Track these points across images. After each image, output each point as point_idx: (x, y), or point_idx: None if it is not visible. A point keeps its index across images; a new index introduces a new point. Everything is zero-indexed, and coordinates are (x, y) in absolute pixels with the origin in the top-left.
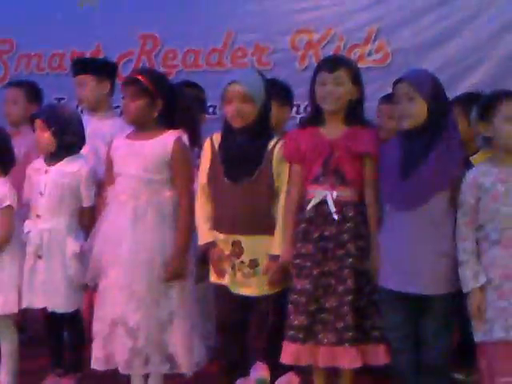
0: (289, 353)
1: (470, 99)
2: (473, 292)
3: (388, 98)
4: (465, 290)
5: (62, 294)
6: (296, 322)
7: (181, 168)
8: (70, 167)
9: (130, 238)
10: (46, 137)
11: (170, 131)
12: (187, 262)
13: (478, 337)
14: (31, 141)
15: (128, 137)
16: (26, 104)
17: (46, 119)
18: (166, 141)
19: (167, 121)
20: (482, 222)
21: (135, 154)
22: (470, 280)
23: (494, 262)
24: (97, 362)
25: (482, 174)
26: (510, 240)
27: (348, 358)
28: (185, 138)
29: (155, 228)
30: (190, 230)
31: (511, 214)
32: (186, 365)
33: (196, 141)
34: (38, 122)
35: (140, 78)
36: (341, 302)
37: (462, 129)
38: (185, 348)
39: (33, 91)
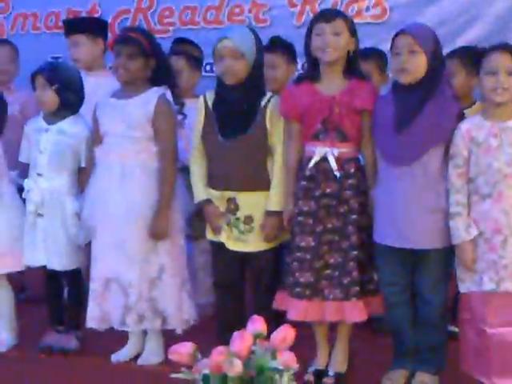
0: (296, 310)
1: (467, 53)
2: (464, 244)
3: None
4: (455, 242)
5: (63, 253)
6: (302, 280)
7: (164, 125)
8: (72, 128)
9: (119, 196)
10: (48, 94)
11: (154, 88)
12: (173, 220)
13: (465, 287)
14: (25, 98)
15: (113, 96)
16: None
17: (49, 76)
18: (150, 98)
19: (154, 80)
20: (473, 175)
21: (120, 113)
22: (462, 232)
23: (485, 215)
24: (92, 321)
25: (475, 126)
26: (501, 194)
27: (355, 312)
28: (168, 95)
29: (143, 186)
30: (172, 188)
31: (503, 168)
32: (175, 321)
33: (176, 99)
34: (40, 79)
35: (137, 37)
36: (346, 257)
37: (458, 82)
38: (174, 304)
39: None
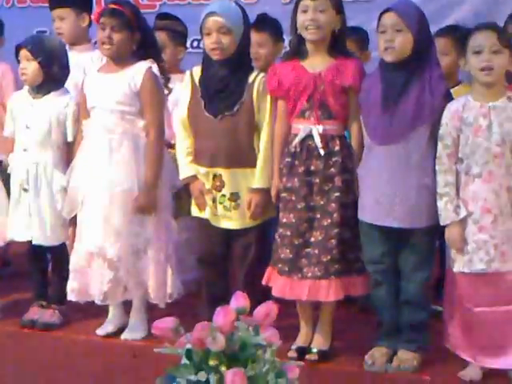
0: (277, 286)
1: (457, 31)
2: (452, 225)
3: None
4: (443, 223)
5: (49, 227)
6: (282, 256)
7: (150, 99)
8: (58, 101)
9: (106, 171)
10: (32, 68)
11: (141, 62)
12: (160, 194)
13: (455, 267)
14: (6, 71)
15: (100, 70)
16: None
17: (33, 49)
18: (137, 72)
19: (140, 53)
20: (462, 156)
21: (107, 87)
22: (451, 213)
23: (475, 195)
24: (72, 294)
25: (464, 107)
26: (491, 174)
27: (332, 291)
28: (155, 68)
29: (130, 160)
30: (159, 163)
31: (492, 148)
32: (158, 296)
33: (162, 73)
34: (24, 52)
35: (123, 9)
36: (326, 235)
37: (448, 61)
38: (157, 279)
39: None
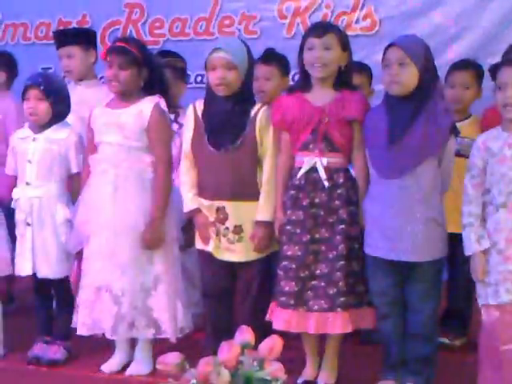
0: (280, 319)
1: (473, 66)
2: (476, 255)
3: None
4: (467, 253)
5: (53, 261)
6: (287, 289)
7: (159, 134)
8: (59, 134)
9: (112, 205)
10: (43, 108)
11: (148, 97)
12: (168, 229)
13: (481, 300)
14: (8, 107)
15: (107, 105)
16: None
17: (45, 90)
18: (145, 107)
19: (147, 89)
20: (489, 186)
21: (115, 122)
22: (474, 243)
23: (499, 225)
24: (83, 328)
25: (491, 137)
26: None
27: (339, 324)
28: (163, 104)
29: (137, 195)
30: (167, 198)
31: None
32: (170, 330)
33: (171, 108)
34: (35, 92)
35: (129, 47)
36: (332, 268)
37: (468, 95)
38: (169, 313)
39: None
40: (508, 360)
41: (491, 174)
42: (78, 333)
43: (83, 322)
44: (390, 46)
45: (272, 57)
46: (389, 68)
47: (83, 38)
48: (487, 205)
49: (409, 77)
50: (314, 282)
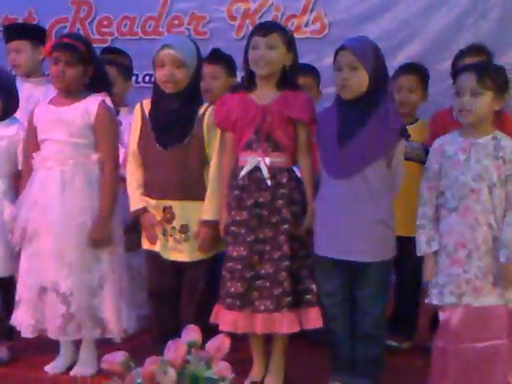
0: (227, 320)
1: (420, 69)
2: (425, 257)
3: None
4: (418, 254)
5: (0, 259)
6: (232, 290)
7: (105, 132)
8: (7, 130)
9: (59, 203)
10: None
11: (93, 95)
12: (115, 228)
13: (429, 299)
14: None
15: (50, 102)
16: None
17: None
18: (90, 105)
19: (92, 86)
20: (443, 189)
21: (60, 120)
22: (423, 244)
23: (450, 228)
24: (27, 330)
25: (447, 141)
26: (467, 209)
27: (286, 324)
28: (108, 102)
29: (83, 193)
30: (114, 195)
31: (469, 183)
32: (115, 330)
33: (113, 106)
34: None
35: (76, 44)
36: (277, 268)
37: (413, 98)
38: (114, 313)
39: None
40: (451, 359)
41: (445, 177)
42: (22, 335)
43: (27, 324)
44: (340, 49)
45: (218, 56)
46: (339, 72)
47: (33, 33)
48: (440, 207)
49: (359, 80)
50: (258, 282)
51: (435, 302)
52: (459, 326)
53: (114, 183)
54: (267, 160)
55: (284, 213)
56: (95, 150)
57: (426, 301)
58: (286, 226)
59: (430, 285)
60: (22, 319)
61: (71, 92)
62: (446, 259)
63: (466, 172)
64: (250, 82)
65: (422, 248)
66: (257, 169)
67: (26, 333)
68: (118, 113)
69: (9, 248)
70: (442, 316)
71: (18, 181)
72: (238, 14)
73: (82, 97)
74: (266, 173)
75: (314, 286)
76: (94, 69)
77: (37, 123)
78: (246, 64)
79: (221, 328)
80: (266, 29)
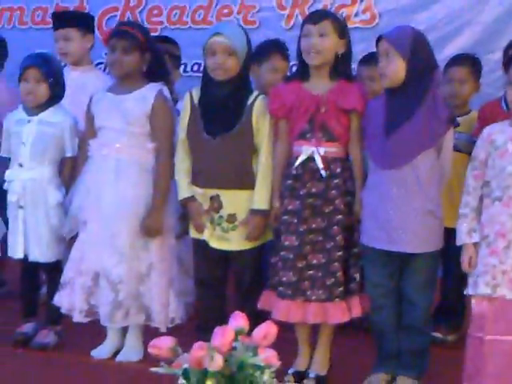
0: (279, 309)
1: (472, 60)
2: (465, 246)
3: (366, 60)
4: (458, 243)
5: (44, 244)
6: (284, 279)
7: (161, 121)
8: (54, 117)
9: (112, 191)
10: (42, 89)
11: (151, 84)
12: (166, 218)
13: (467, 290)
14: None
15: (109, 90)
16: None
17: (45, 70)
18: (148, 94)
19: (149, 74)
20: (489, 179)
21: (117, 108)
22: (464, 234)
23: (493, 218)
24: (80, 315)
25: (496, 131)
26: (511, 199)
27: (338, 313)
28: (166, 91)
29: (137, 181)
30: (168, 185)
31: None
32: (160, 319)
33: (171, 95)
34: (34, 73)
35: (133, 31)
36: (330, 258)
37: (465, 90)
38: (160, 302)
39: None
40: (491, 351)
41: (492, 167)
42: (74, 320)
43: (81, 309)
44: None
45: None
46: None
47: (82, 21)
48: (485, 197)
49: (394, 69)
50: (310, 272)
51: (470, 292)
52: (494, 317)
53: (167, 173)
54: (321, 150)
55: (337, 203)
56: (151, 139)
57: (465, 292)
58: (340, 217)
59: (469, 275)
60: (75, 304)
61: (129, 80)
62: (486, 249)
63: None
64: (303, 72)
65: (463, 237)
66: (310, 159)
67: (79, 318)
68: (176, 102)
69: (54, 234)
70: (475, 307)
71: (63, 167)
72: (288, 3)
73: (140, 85)
74: (319, 163)
75: (357, 275)
76: (151, 57)
77: (94, 111)
78: (299, 53)
79: (275, 317)
80: (317, 16)
